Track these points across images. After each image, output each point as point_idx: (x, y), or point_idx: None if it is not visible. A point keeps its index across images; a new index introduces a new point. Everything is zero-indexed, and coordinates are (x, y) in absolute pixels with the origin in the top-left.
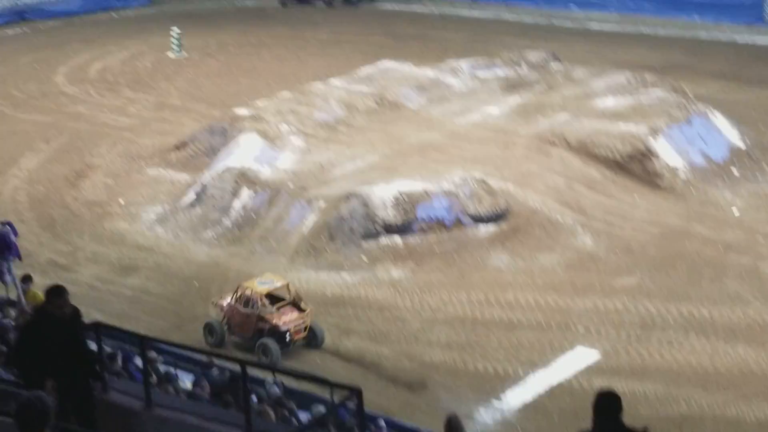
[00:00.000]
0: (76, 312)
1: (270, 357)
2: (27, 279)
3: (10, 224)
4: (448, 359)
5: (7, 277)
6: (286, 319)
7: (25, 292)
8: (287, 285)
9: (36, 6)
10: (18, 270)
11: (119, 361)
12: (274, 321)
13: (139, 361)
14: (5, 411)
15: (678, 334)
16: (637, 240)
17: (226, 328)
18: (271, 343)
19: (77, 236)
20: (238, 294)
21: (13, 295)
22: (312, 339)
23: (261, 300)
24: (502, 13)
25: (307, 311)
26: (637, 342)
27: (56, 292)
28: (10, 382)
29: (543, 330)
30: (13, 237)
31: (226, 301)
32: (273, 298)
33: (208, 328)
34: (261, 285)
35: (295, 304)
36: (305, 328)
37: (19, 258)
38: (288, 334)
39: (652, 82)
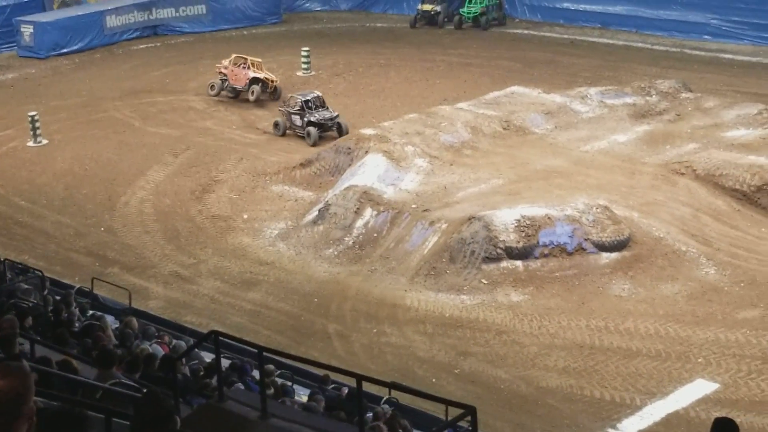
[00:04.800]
0: None
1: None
2: None
3: None
4: (565, 385)
5: None
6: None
7: None
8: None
9: (168, 22)
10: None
11: (236, 372)
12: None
13: (256, 374)
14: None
15: None
16: (762, 273)
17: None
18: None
19: (200, 249)
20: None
21: None
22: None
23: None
24: (633, 41)
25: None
26: (758, 375)
27: None
28: (129, 386)
29: (662, 359)
30: None
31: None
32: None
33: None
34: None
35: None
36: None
37: None
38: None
39: None
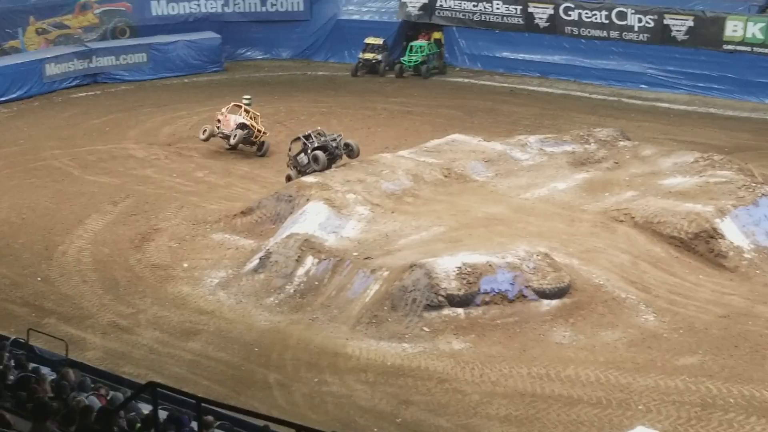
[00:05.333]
0: None
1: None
2: None
3: None
4: None
5: None
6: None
7: None
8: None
9: (109, 70)
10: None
11: (174, 424)
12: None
13: (195, 425)
14: None
15: (739, 416)
16: (701, 319)
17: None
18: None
19: (139, 299)
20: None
21: None
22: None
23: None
24: (571, 90)
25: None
26: (698, 422)
27: None
28: None
29: (603, 407)
30: None
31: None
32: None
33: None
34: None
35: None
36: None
37: None
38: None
39: (719, 162)
